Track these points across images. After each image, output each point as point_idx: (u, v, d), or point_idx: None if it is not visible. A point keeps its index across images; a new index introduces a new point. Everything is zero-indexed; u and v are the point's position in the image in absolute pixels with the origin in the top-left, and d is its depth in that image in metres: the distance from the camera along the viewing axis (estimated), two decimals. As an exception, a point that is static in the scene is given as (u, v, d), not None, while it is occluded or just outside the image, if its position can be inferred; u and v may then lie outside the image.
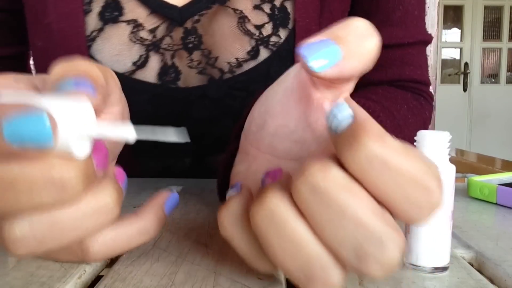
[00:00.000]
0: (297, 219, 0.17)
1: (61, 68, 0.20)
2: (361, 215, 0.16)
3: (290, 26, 0.46)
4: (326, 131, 0.18)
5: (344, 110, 0.17)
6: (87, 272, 0.23)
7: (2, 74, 0.22)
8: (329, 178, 0.16)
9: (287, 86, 0.24)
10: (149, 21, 0.45)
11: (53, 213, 0.18)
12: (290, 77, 0.24)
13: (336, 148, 0.17)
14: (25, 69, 0.54)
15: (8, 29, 0.50)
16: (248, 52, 0.46)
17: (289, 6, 0.47)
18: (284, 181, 0.19)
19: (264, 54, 0.46)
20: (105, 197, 0.19)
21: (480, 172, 0.63)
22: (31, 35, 0.47)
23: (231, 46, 0.46)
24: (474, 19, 3.52)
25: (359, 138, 0.16)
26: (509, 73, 3.63)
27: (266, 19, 0.46)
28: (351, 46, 0.19)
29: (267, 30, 0.46)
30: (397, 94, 0.47)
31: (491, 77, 3.66)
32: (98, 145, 0.20)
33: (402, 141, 0.16)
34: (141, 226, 0.22)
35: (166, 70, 0.46)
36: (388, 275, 0.16)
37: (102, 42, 0.44)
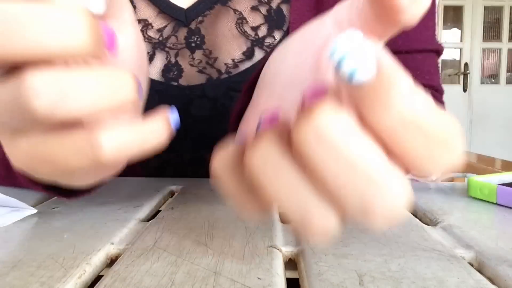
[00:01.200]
0: (295, 160, 0.16)
1: None
2: (369, 163, 0.15)
3: (285, 28, 0.48)
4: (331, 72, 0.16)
5: (367, 49, 0.15)
6: (87, 272, 0.23)
7: None
8: (338, 124, 0.15)
9: (307, 36, 0.23)
10: (157, 21, 0.49)
11: (70, 69, 0.17)
12: (312, 28, 0.23)
13: (358, 104, 0.15)
14: None
15: None
16: (244, 53, 0.48)
17: (285, 8, 0.49)
18: (282, 125, 0.18)
19: (258, 55, 0.48)
20: (121, 73, 0.19)
21: (480, 172, 0.63)
22: None
23: (229, 47, 0.48)
24: (474, 19, 3.52)
25: (393, 97, 0.14)
26: (509, 73, 3.62)
27: (262, 20, 0.49)
28: None
29: (263, 31, 0.48)
30: None
31: (491, 77, 3.65)
32: (104, 24, 0.19)
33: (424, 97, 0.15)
34: (153, 126, 0.21)
35: (169, 68, 0.49)
36: (390, 225, 0.16)
37: None
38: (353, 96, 0.15)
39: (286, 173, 0.16)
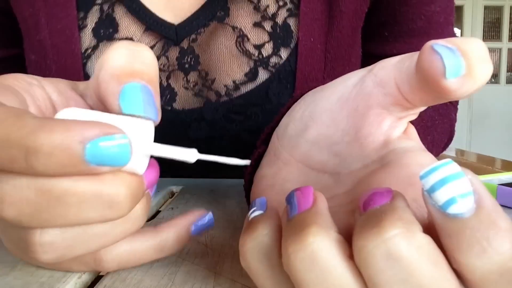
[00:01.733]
0: (346, 267, 0.14)
1: (121, 61, 0.18)
2: None
3: (292, 45, 0.43)
4: (426, 205, 0.14)
5: (462, 183, 0.13)
6: (87, 272, 0.23)
7: (50, 79, 0.21)
8: (414, 247, 0.13)
9: (343, 95, 0.21)
10: (144, 40, 0.44)
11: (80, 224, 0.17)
12: (349, 84, 0.21)
13: (444, 233, 0.14)
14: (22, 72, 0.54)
15: (3, 30, 0.48)
16: (246, 74, 0.43)
17: (292, 23, 0.43)
18: (322, 208, 0.16)
19: (263, 75, 0.43)
20: (137, 208, 0.19)
21: (480, 172, 0.63)
22: (25, 47, 0.46)
23: (228, 67, 0.44)
24: (474, 19, 3.52)
25: (496, 245, 0.13)
26: (509, 73, 3.62)
27: (266, 38, 0.43)
28: (472, 64, 0.16)
29: (267, 50, 0.43)
30: None
31: (491, 77, 3.65)
32: (152, 163, 0.19)
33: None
34: (156, 243, 0.21)
35: (161, 92, 0.44)
36: None
37: (97, 60, 0.42)
38: (445, 229, 0.14)
39: (336, 282, 0.14)
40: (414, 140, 0.21)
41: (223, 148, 0.45)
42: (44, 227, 0.17)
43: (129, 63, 0.18)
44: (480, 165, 1.33)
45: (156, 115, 0.18)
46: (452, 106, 0.52)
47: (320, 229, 0.15)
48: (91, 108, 0.21)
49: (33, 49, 0.44)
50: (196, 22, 0.43)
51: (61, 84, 0.21)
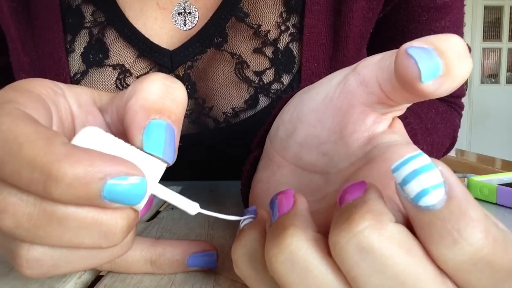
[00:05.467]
0: (325, 264, 0.15)
1: (155, 95, 0.18)
2: (421, 284, 0.13)
3: (295, 70, 0.41)
4: (397, 191, 0.14)
5: (433, 175, 0.13)
6: (87, 272, 0.23)
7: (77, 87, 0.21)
8: (384, 238, 0.13)
9: (328, 94, 0.21)
10: (136, 66, 0.41)
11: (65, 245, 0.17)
12: (333, 84, 0.21)
13: (417, 225, 0.14)
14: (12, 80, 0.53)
15: None
16: (246, 101, 0.42)
17: (295, 47, 0.41)
18: (302, 209, 0.17)
19: (263, 102, 0.42)
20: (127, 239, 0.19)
21: (480, 172, 0.63)
22: (14, 67, 0.44)
23: (227, 95, 0.42)
24: (474, 19, 3.52)
25: (467, 236, 0.13)
26: (509, 73, 3.62)
27: (267, 64, 0.41)
28: (450, 63, 0.16)
29: (268, 76, 0.41)
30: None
31: (491, 77, 3.65)
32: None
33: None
34: (148, 257, 0.22)
35: None
36: None
37: (86, 86, 0.42)
38: (417, 221, 0.14)
39: (316, 280, 0.14)
40: (399, 133, 0.21)
41: (221, 169, 0.45)
42: (36, 244, 0.17)
43: (161, 99, 0.18)
44: (480, 165, 1.33)
45: (172, 159, 0.18)
46: (456, 113, 0.52)
47: (297, 229, 0.15)
48: (108, 125, 0.21)
49: (22, 68, 0.43)
50: (192, 48, 0.41)
51: (84, 97, 0.21)
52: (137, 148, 0.17)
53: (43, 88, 0.19)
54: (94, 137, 0.17)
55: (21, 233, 0.16)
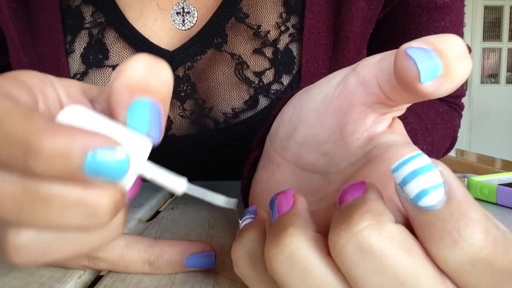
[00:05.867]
0: (324, 264, 0.15)
1: (138, 74, 0.18)
2: (421, 285, 0.13)
3: (294, 71, 0.42)
4: (395, 188, 0.14)
5: (432, 175, 0.13)
6: (87, 272, 0.23)
7: (65, 80, 0.21)
8: (384, 238, 0.13)
9: (328, 94, 0.21)
10: None
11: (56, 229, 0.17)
12: (333, 84, 0.21)
13: (417, 226, 0.14)
14: None
15: None
16: (246, 102, 0.42)
17: (295, 48, 0.41)
18: (301, 209, 0.17)
19: (263, 102, 0.42)
20: (116, 217, 0.18)
21: (480, 172, 0.63)
22: (13, 67, 0.44)
23: (227, 95, 0.42)
24: (474, 19, 3.52)
25: (467, 236, 0.13)
26: (509, 73, 3.62)
27: (267, 65, 0.41)
28: (449, 64, 0.16)
29: (268, 77, 0.41)
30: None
31: (491, 77, 3.65)
32: (136, 180, 0.19)
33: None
34: (147, 257, 0.22)
35: None
36: None
37: None
38: (417, 221, 0.14)
39: (316, 280, 0.14)
40: (398, 133, 0.21)
41: (221, 169, 0.45)
42: (21, 225, 0.16)
43: (145, 78, 0.18)
44: (480, 165, 1.33)
45: (158, 136, 0.18)
46: (456, 113, 0.52)
47: (297, 229, 0.15)
48: None
49: (22, 69, 0.43)
50: (192, 49, 0.41)
51: (74, 88, 0.21)
52: (123, 126, 0.17)
53: (30, 78, 0.19)
54: (77, 114, 0.17)
55: (5, 214, 0.15)
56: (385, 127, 0.21)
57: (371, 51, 0.47)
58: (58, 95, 0.21)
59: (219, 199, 0.19)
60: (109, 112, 0.19)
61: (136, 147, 0.17)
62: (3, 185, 0.15)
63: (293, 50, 0.41)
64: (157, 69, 0.19)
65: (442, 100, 0.50)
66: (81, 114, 0.17)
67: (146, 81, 0.18)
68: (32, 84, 0.19)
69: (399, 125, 0.21)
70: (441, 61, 0.16)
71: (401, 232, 0.14)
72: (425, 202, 0.13)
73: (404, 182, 0.14)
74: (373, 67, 0.19)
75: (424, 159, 0.14)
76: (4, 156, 0.15)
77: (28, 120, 0.14)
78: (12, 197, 0.15)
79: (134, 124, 0.17)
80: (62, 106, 0.21)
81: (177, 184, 0.18)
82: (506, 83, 3.64)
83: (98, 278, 0.23)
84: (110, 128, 0.17)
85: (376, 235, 0.13)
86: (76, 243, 0.18)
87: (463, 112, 0.54)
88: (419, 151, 0.14)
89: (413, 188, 0.13)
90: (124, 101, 0.17)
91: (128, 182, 0.17)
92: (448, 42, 0.16)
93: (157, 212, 0.34)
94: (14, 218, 0.16)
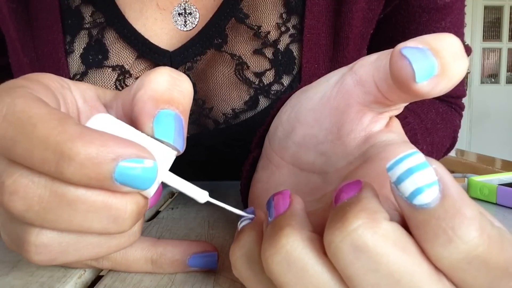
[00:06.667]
0: (320, 264, 0.15)
1: (162, 86, 0.18)
2: (417, 282, 0.13)
3: (295, 71, 0.42)
4: (390, 188, 0.14)
5: (427, 174, 0.13)
6: (87, 272, 0.23)
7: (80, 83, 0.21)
8: (378, 236, 0.13)
9: (325, 94, 0.21)
10: (136, 67, 0.41)
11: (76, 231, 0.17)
12: (330, 84, 0.21)
13: (412, 224, 0.14)
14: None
15: None
16: (246, 102, 0.42)
17: (295, 48, 0.41)
18: (297, 210, 0.17)
19: (263, 103, 0.42)
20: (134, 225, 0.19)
21: (480, 172, 0.63)
22: (13, 67, 0.44)
23: (227, 96, 0.42)
24: (474, 19, 3.52)
25: (461, 234, 0.12)
26: (509, 73, 3.62)
27: (267, 65, 0.41)
28: (445, 63, 0.16)
29: (268, 78, 0.41)
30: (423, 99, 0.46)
31: (491, 77, 3.65)
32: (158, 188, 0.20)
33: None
34: (149, 256, 0.22)
35: None
36: None
37: None
38: (412, 219, 0.14)
39: (313, 280, 0.14)
40: (396, 132, 0.21)
41: (220, 170, 0.45)
42: (45, 227, 0.17)
43: (169, 90, 0.19)
44: (480, 165, 1.33)
45: (182, 147, 0.18)
46: (456, 113, 0.52)
47: (293, 230, 0.15)
48: None
49: (22, 69, 0.43)
50: (192, 49, 0.41)
51: (88, 92, 0.22)
52: (148, 135, 0.18)
53: (51, 80, 0.20)
54: (106, 122, 0.17)
55: (31, 216, 0.16)
56: (382, 126, 0.21)
57: (371, 51, 0.47)
58: (75, 99, 0.21)
59: (237, 212, 0.20)
60: (127, 119, 0.19)
61: (162, 157, 0.17)
62: (31, 187, 0.15)
63: (294, 51, 0.41)
64: (179, 82, 0.19)
65: (442, 100, 0.50)
66: (109, 123, 0.17)
67: (170, 93, 0.18)
68: (54, 88, 0.19)
69: (397, 124, 0.21)
70: (436, 61, 0.16)
71: (395, 230, 0.14)
72: (420, 200, 0.13)
73: (399, 180, 0.14)
74: (369, 67, 0.19)
75: (418, 157, 0.14)
76: (36, 159, 0.15)
77: (63, 126, 0.15)
78: (40, 199, 0.16)
79: (160, 134, 0.18)
80: (79, 111, 0.21)
81: (200, 194, 0.19)
82: (506, 83, 3.64)
83: (98, 278, 0.23)
84: (138, 138, 0.17)
85: (370, 233, 0.13)
86: (94, 246, 0.18)
87: (463, 112, 0.54)
88: (414, 149, 0.14)
89: (407, 186, 0.13)
90: (150, 112, 0.18)
91: (151, 190, 0.17)
92: (443, 41, 0.16)
93: (157, 212, 0.34)
94: (39, 219, 0.16)
